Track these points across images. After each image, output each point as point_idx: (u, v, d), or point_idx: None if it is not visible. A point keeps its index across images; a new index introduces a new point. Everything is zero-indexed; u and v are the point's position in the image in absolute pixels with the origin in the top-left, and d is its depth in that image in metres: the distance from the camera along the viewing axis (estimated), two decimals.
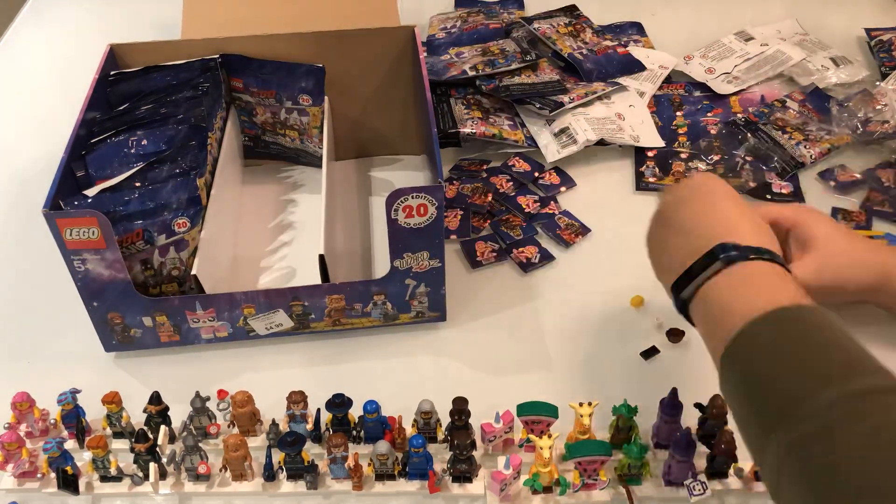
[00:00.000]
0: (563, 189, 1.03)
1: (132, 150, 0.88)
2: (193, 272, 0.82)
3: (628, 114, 1.12)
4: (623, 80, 1.17)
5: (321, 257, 0.83)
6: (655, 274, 0.73)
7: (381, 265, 0.93)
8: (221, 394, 0.79)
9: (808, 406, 0.52)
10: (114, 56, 0.96)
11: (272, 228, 1.01)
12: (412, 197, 0.76)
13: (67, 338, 0.89)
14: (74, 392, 0.78)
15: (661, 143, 1.08)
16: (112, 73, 0.95)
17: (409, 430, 0.76)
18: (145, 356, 0.87)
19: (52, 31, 1.40)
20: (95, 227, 0.75)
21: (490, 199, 1.01)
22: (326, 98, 1.01)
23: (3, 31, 1.40)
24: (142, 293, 0.82)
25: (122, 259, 0.78)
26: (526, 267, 0.94)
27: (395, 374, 0.85)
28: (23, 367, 0.88)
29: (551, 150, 1.05)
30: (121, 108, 0.93)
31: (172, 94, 0.94)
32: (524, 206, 1.01)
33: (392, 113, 1.05)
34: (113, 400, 0.75)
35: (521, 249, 0.96)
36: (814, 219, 0.79)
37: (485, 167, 1.06)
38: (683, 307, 0.67)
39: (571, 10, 1.31)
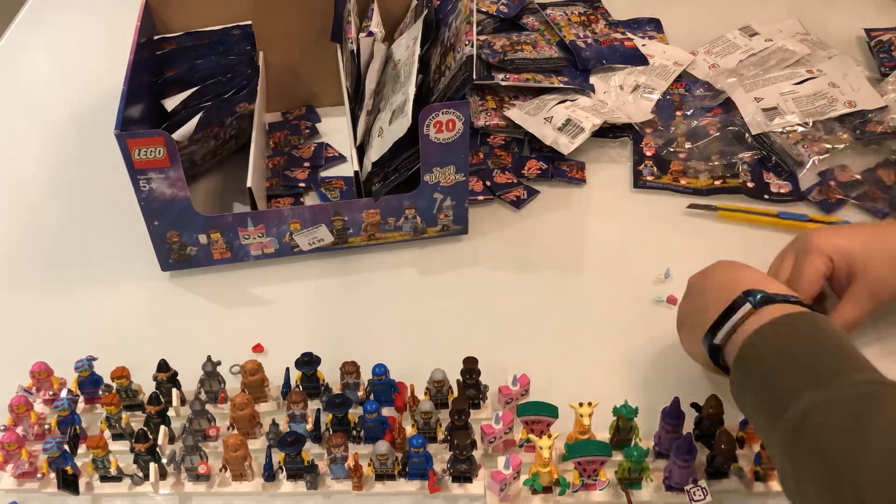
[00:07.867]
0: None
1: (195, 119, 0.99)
2: (248, 185, 0.91)
3: (609, 100, 1.13)
4: (629, 72, 1.18)
5: (356, 174, 0.92)
6: (685, 347, 0.76)
7: None
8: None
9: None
10: (150, 11, 1.03)
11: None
12: (442, 112, 0.84)
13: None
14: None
15: (650, 117, 1.11)
16: (155, 37, 1.04)
17: (410, 430, 0.76)
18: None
19: (51, 32, 1.40)
20: (161, 147, 0.83)
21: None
22: (339, 46, 1.10)
23: (2, 32, 1.40)
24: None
25: (185, 178, 0.86)
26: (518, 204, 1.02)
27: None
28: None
29: (563, 143, 1.05)
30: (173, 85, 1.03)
31: (216, 69, 1.04)
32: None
33: None
34: (112, 402, 0.75)
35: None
36: (839, 243, 0.78)
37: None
38: (715, 354, 0.69)
39: (592, 2, 1.31)
